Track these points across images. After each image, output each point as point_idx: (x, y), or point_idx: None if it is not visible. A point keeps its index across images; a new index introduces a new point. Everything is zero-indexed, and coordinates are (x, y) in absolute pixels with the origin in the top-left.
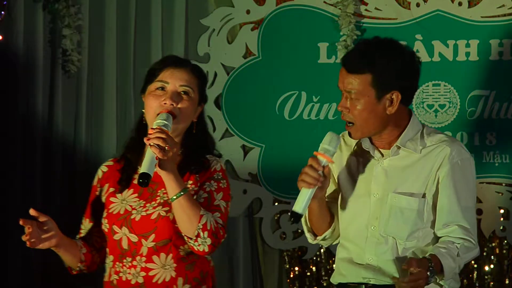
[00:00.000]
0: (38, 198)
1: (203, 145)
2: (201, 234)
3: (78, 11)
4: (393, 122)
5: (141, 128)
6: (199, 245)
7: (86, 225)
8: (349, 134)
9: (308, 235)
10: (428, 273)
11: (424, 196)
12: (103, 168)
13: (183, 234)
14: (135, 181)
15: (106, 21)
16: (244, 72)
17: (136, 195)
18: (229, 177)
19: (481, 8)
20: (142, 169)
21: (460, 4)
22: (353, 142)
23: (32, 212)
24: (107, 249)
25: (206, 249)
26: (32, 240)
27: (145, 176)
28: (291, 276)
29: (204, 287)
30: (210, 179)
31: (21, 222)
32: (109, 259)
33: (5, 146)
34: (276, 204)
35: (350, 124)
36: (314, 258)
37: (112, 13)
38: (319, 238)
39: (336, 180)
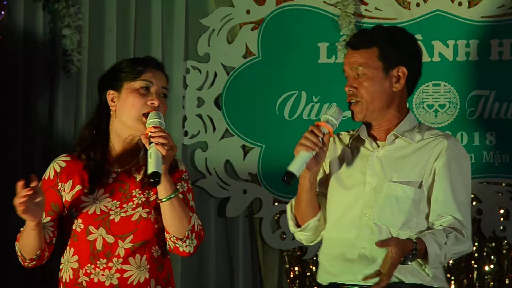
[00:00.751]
0: None
1: None
2: (190, 235)
3: (78, 11)
4: (396, 105)
5: (101, 128)
6: (186, 246)
7: (45, 221)
8: (352, 116)
9: (290, 222)
10: (408, 255)
11: (420, 186)
12: (60, 163)
13: (170, 235)
14: (106, 180)
15: (106, 21)
16: (244, 72)
17: (108, 195)
18: (229, 177)
19: (481, 8)
20: (152, 168)
21: (460, 4)
22: (347, 139)
23: (33, 179)
24: (71, 249)
25: (192, 250)
26: (25, 205)
27: (156, 175)
28: (291, 276)
29: (164, 286)
30: (180, 179)
31: (21, 183)
32: (72, 259)
33: (5, 146)
34: (276, 204)
35: (355, 102)
36: (314, 258)
37: (112, 13)
38: (302, 227)
39: (328, 172)
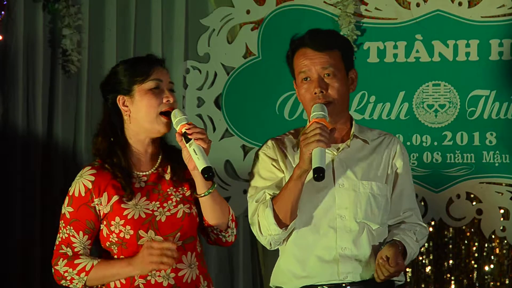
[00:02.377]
0: (38, 198)
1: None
2: (231, 224)
3: (78, 11)
4: (347, 107)
5: (117, 129)
6: (229, 236)
7: (82, 239)
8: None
9: (273, 227)
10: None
11: (386, 182)
12: (89, 178)
13: (213, 228)
14: (138, 185)
15: (106, 21)
16: (244, 72)
17: (145, 198)
18: (229, 177)
19: (481, 8)
20: (202, 164)
21: (460, 4)
22: (294, 142)
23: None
24: (120, 257)
25: (233, 239)
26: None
27: (210, 170)
28: None
29: (211, 283)
30: None
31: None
32: None
33: (5, 146)
34: None
35: (329, 104)
36: None
37: (112, 13)
38: (289, 227)
39: (287, 176)
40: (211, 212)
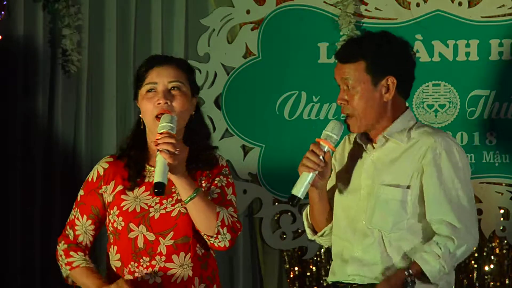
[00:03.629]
0: (38, 198)
1: (204, 138)
2: (221, 230)
3: (78, 11)
4: (390, 112)
5: (140, 133)
6: (219, 241)
7: (85, 223)
8: (348, 128)
9: (308, 230)
10: (404, 284)
11: (408, 187)
12: (103, 165)
13: (202, 234)
14: (147, 179)
15: (106, 21)
16: (244, 72)
17: (148, 192)
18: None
19: (481, 8)
20: (156, 178)
21: (460, 4)
22: (352, 142)
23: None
24: (114, 247)
25: (227, 244)
26: None
27: (160, 186)
28: (291, 276)
29: (215, 286)
30: (219, 174)
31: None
32: (115, 257)
33: (5, 146)
34: (276, 204)
35: (349, 117)
36: (314, 258)
37: (112, 13)
38: (318, 234)
39: (335, 177)
40: (195, 218)
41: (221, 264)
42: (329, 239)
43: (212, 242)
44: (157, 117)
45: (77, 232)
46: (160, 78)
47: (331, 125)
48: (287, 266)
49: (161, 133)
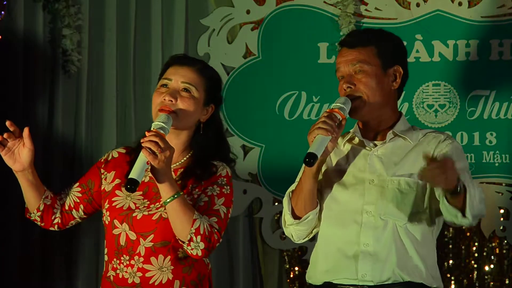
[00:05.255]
0: None
1: (213, 148)
2: (194, 238)
3: (78, 11)
4: (391, 104)
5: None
6: (192, 249)
7: (73, 187)
8: (354, 111)
9: (287, 214)
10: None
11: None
12: (114, 154)
13: (176, 238)
14: (145, 179)
15: (106, 21)
16: (244, 72)
17: (141, 193)
18: None
19: (481, 8)
20: (131, 174)
21: (460, 4)
22: (340, 141)
23: (8, 124)
24: (105, 240)
25: (199, 253)
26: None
27: (132, 182)
28: (291, 276)
29: None
30: (213, 183)
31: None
32: (105, 250)
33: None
34: (276, 204)
35: (355, 99)
36: None
37: (112, 13)
38: (301, 219)
39: (322, 170)
40: (171, 221)
41: (221, 264)
42: (306, 229)
43: (185, 248)
44: (159, 112)
45: (62, 194)
46: (175, 76)
47: (341, 100)
48: (287, 266)
49: (150, 131)
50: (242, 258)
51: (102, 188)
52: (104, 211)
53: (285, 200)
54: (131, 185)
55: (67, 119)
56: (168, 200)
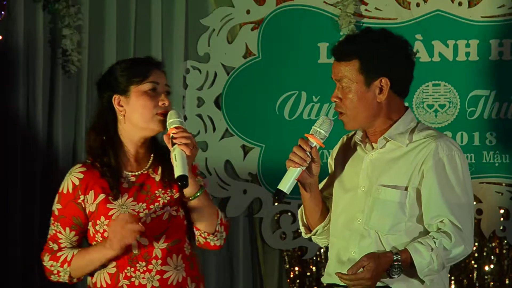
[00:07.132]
0: (37, 198)
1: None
2: (219, 229)
3: (78, 11)
4: (385, 113)
5: (111, 136)
6: (217, 239)
7: (69, 235)
8: (344, 125)
9: (302, 229)
10: (391, 268)
11: (406, 189)
12: (78, 175)
13: (201, 231)
14: (126, 185)
15: (106, 21)
16: (244, 72)
17: (132, 199)
18: (229, 177)
19: (481, 8)
20: (179, 171)
21: (460, 4)
22: (351, 141)
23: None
24: None
25: (222, 243)
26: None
27: (184, 178)
28: (291, 276)
29: (201, 284)
30: (197, 174)
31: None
32: (110, 264)
33: (5, 146)
34: (276, 204)
35: (341, 115)
36: (314, 258)
37: (112, 13)
38: (312, 232)
39: (333, 174)
40: (198, 215)
41: (221, 264)
42: (324, 238)
43: (209, 240)
44: (157, 115)
45: (62, 245)
46: (161, 80)
47: (320, 121)
48: (287, 266)
49: (176, 128)
50: (242, 258)
51: (87, 212)
52: (101, 228)
53: (298, 216)
54: (184, 181)
55: (67, 119)
56: (198, 194)
